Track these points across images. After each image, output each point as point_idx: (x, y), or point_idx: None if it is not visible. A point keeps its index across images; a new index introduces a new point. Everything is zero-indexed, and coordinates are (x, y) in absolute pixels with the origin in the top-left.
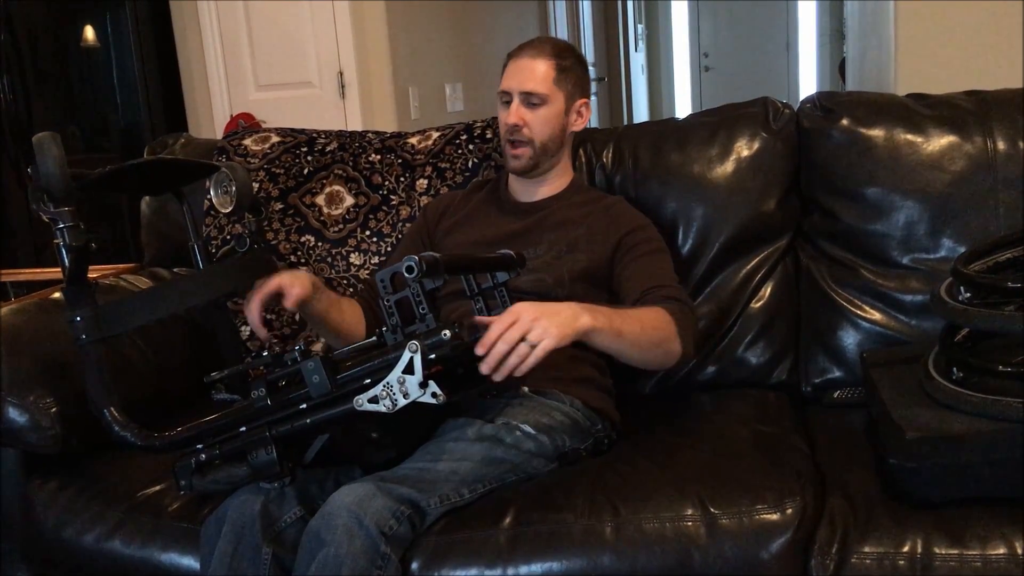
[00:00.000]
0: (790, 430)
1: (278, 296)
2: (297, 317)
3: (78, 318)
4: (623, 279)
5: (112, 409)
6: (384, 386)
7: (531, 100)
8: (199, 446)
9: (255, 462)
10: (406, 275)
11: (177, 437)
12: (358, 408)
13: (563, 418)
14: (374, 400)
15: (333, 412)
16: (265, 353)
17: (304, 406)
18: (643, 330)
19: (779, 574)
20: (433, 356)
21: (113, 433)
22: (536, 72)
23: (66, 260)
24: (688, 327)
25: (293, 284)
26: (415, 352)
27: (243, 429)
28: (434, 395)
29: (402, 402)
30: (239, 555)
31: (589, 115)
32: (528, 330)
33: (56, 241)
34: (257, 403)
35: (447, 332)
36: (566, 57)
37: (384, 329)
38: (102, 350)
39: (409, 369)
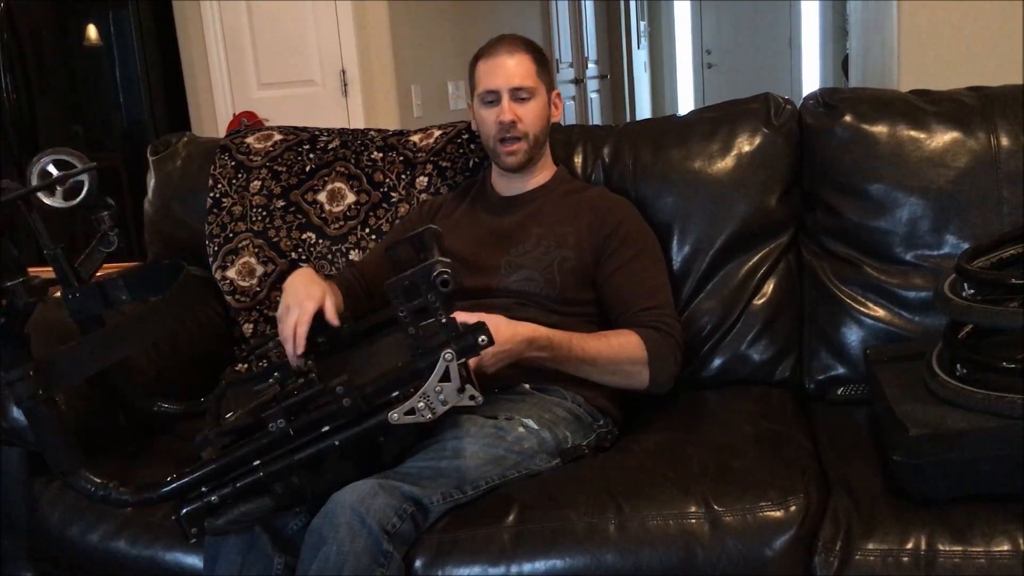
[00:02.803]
0: (793, 427)
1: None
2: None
3: (19, 378)
4: (609, 291)
5: (83, 470)
6: (421, 396)
7: (520, 95)
8: (204, 488)
9: (283, 492)
10: (442, 289)
11: (177, 485)
12: (393, 423)
13: (565, 414)
14: (411, 412)
15: (363, 427)
16: (263, 363)
17: (327, 428)
18: (596, 360)
19: (783, 571)
20: (464, 360)
21: (95, 498)
22: (521, 67)
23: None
24: (663, 358)
25: (327, 300)
26: (451, 360)
27: (258, 463)
28: (472, 397)
29: (441, 409)
30: (248, 564)
31: (562, 106)
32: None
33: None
34: (274, 434)
35: (484, 338)
36: (538, 51)
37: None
38: (54, 409)
39: (445, 377)
